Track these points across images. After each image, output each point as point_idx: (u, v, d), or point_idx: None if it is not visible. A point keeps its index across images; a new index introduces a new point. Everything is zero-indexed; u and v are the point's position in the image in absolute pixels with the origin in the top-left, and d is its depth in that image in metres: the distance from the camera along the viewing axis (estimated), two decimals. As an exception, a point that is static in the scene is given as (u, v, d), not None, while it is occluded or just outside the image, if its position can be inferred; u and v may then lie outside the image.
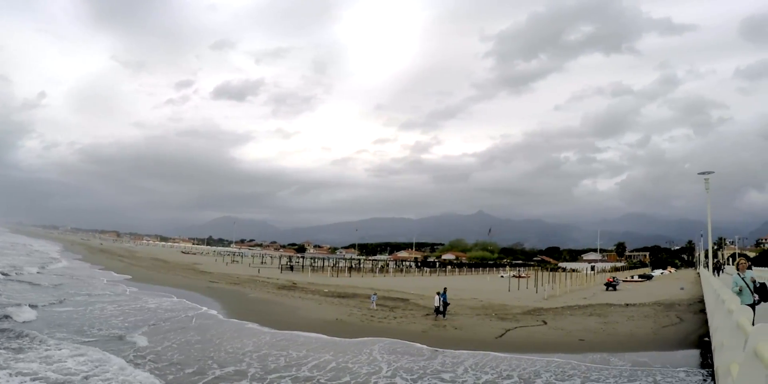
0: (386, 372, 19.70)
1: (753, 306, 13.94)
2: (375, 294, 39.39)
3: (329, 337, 26.18)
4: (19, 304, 30.96)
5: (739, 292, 14.29)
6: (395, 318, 32.94)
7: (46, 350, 20.47)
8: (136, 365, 19.09)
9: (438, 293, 34.20)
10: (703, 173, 51.46)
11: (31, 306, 30.95)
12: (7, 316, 27.10)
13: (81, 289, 43.51)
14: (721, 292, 17.00)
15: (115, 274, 61.19)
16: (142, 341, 23.28)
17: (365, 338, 26.19)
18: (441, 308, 33.58)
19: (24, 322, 26.52)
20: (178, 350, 22.05)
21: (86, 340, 23.10)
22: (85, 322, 27.89)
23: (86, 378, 17.18)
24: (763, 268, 57.50)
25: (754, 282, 14.65)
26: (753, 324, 7.16)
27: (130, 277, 58.47)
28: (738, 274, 14.84)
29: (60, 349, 20.63)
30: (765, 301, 14.71)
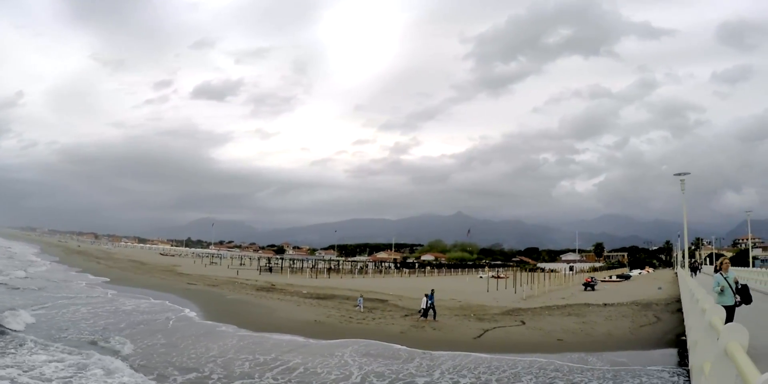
0: (356, 377, 19.30)
1: (734, 307, 13.68)
2: (361, 297, 39.20)
3: (304, 340, 25.97)
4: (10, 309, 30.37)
5: (721, 292, 13.90)
6: (374, 319, 32.87)
7: (22, 355, 20.09)
8: (111, 371, 18.74)
9: (426, 295, 34.08)
10: (679, 174, 51.93)
11: (13, 310, 30.32)
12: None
13: (59, 292, 42.84)
14: (696, 292, 17.10)
15: (94, 277, 60.45)
16: (115, 345, 22.85)
17: (341, 340, 26.01)
18: (429, 310, 33.48)
19: (14, 328, 25.69)
20: (142, 355, 21.49)
21: (62, 345, 22.55)
22: (62, 326, 27.41)
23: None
24: (739, 268, 58.19)
25: (736, 283, 14.26)
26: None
27: (108, 279, 57.79)
28: (720, 273, 14.35)
29: (33, 355, 20.25)
30: (746, 303, 14.24)
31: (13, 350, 20.83)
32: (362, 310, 36.37)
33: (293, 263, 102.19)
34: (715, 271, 14.93)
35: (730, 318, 12.63)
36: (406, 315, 34.68)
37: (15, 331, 25.03)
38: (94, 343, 23.54)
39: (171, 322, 30.13)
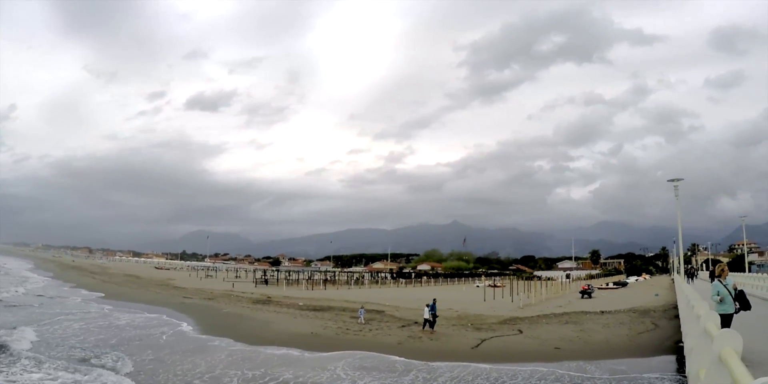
0: (347, 393, 18.90)
1: (733, 315, 13.24)
2: (362, 308, 38.88)
3: (299, 353, 25.63)
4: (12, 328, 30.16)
5: (721, 301, 13.17)
6: (370, 330, 32.70)
7: (15, 374, 19.85)
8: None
9: (427, 305, 33.65)
10: (673, 180, 51.92)
11: (14, 329, 30.03)
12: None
13: (55, 309, 42.54)
14: (692, 298, 17.09)
15: (89, 292, 60.18)
16: (107, 362, 22.49)
17: (336, 352, 25.72)
18: (431, 320, 33.18)
19: (21, 347, 25.09)
20: (130, 373, 20.91)
21: (57, 362, 22.22)
22: (60, 343, 27.05)
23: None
24: (736, 274, 58.29)
25: (735, 289, 13.57)
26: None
27: (103, 294, 57.57)
28: (719, 280, 13.66)
29: (27, 373, 20.03)
30: (745, 310, 13.58)
31: (5, 368, 20.59)
32: (363, 321, 36.06)
33: (289, 275, 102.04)
34: (711, 277, 14.59)
35: (728, 326, 12.43)
36: (403, 326, 34.54)
37: (22, 350, 24.62)
38: (86, 359, 23.16)
39: (164, 337, 29.85)
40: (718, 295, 13.30)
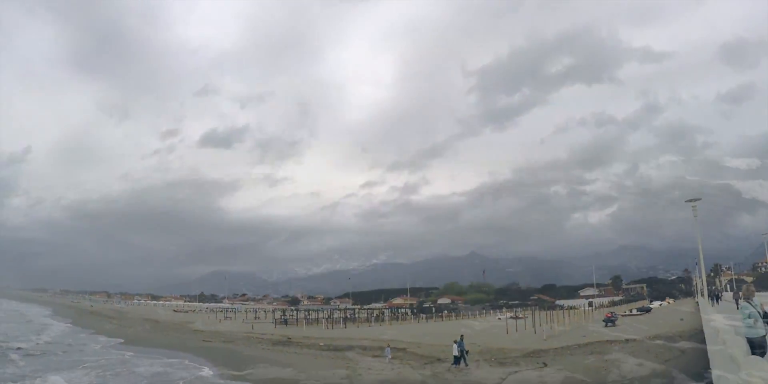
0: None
1: (765, 337, 12.29)
2: (389, 346, 38.39)
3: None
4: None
5: (754, 324, 12.31)
6: (393, 369, 32.28)
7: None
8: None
9: (455, 341, 33.28)
10: (691, 200, 51.39)
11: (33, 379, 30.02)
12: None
13: (73, 356, 42.45)
14: (717, 322, 16.72)
15: (108, 338, 59.99)
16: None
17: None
18: (461, 356, 32.67)
19: None
20: None
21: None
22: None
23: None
24: (760, 293, 57.21)
25: (763, 310, 12.87)
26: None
27: (122, 340, 57.32)
28: (749, 302, 12.89)
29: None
30: None
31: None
32: (388, 361, 35.47)
33: (308, 314, 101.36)
34: (736, 298, 14.13)
35: (763, 348, 11.90)
36: (426, 363, 34.06)
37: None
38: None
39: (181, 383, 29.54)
40: (750, 317, 12.61)
